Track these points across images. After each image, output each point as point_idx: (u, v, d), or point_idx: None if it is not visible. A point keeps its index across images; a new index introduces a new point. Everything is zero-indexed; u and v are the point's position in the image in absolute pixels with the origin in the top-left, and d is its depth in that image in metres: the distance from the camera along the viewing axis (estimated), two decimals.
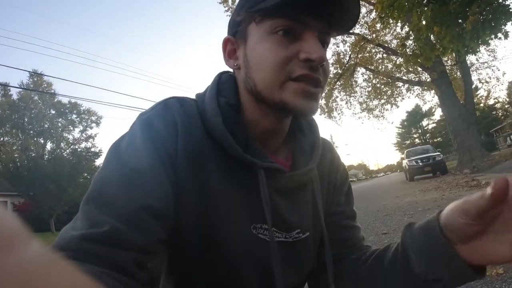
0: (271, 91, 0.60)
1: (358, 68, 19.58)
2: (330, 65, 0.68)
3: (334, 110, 20.98)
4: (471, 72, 17.94)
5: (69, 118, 29.84)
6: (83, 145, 30.43)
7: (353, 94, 21.17)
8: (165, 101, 0.64)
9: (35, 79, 28.22)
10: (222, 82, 0.69)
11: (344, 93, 20.83)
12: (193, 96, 0.71)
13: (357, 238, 0.82)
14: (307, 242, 0.73)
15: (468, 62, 17.25)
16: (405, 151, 18.90)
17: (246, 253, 0.64)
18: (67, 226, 0.52)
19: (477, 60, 19.56)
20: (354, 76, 19.96)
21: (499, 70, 22.85)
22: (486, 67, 20.36)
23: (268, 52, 0.59)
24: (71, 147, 29.87)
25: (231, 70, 0.72)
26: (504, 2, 5.29)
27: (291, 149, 0.74)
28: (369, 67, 19.61)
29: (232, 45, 0.68)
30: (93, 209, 0.51)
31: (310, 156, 0.73)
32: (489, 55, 19.51)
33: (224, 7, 16.42)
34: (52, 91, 28.87)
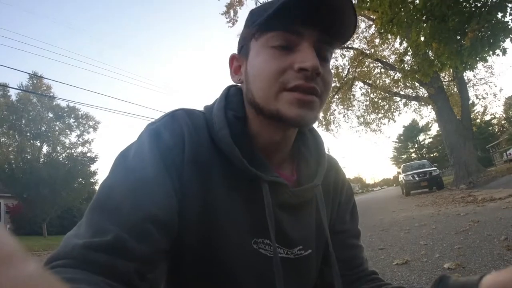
0: (267, 101, 0.61)
1: (356, 82, 19.64)
2: None
3: (332, 123, 21.02)
4: (468, 88, 18.06)
5: (66, 122, 29.64)
6: (79, 149, 30.19)
7: (350, 108, 21.26)
8: (173, 112, 0.65)
9: (35, 81, 28.10)
10: (231, 95, 0.70)
11: (342, 107, 20.88)
12: (201, 108, 0.72)
13: (362, 258, 0.81)
14: (309, 260, 0.72)
15: (465, 78, 17.38)
16: (402, 166, 18.95)
17: (246, 267, 0.64)
18: (70, 232, 0.52)
19: (474, 76, 19.72)
20: (352, 90, 20.03)
21: (496, 86, 23.06)
22: (483, 83, 20.52)
23: (263, 64, 0.61)
24: (67, 151, 29.65)
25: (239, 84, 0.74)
26: (503, 19, 5.34)
27: (296, 164, 0.74)
28: (367, 81, 19.69)
29: (238, 61, 0.70)
30: (98, 217, 0.51)
31: (315, 172, 0.73)
32: (486, 71, 19.66)
33: (226, 18, 16.53)
34: (51, 94, 28.74)
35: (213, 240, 0.61)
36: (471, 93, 19.90)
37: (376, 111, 21.02)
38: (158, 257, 0.54)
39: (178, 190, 0.58)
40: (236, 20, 16.59)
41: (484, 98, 20.89)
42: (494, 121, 47.35)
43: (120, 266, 0.47)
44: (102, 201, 0.53)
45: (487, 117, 44.52)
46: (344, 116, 21.72)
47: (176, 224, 0.57)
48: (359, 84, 20.06)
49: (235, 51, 0.72)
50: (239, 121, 0.65)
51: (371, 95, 20.52)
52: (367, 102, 21.03)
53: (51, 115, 28.93)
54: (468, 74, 18.06)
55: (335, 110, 20.92)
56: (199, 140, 0.62)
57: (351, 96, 20.41)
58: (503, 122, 46.89)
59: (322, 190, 0.74)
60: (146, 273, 0.51)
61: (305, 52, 0.58)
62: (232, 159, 0.62)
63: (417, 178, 15.61)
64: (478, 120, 40.58)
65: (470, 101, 19.37)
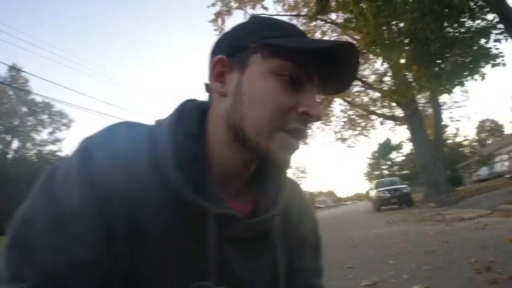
0: (259, 135, 0.55)
1: (335, 99, 19.99)
2: None
3: (309, 136, 21.30)
4: (443, 111, 18.67)
5: (39, 117, 28.69)
6: (49, 147, 29.23)
7: (328, 123, 21.62)
8: (113, 127, 0.57)
9: (13, 73, 27.08)
10: (185, 110, 0.61)
11: (320, 121, 21.18)
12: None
13: None
14: None
15: (440, 100, 17.96)
16: (375, 182, 19.34)
17: None
18: None
19: (449, 99, 20.37)
20: (331, 106, 20.35)
21: (470, 110, 23.77)
22: (457, 107, 21.23)
23: (270, 93, 0.55)
24: (37, 148, 28.63)
25: (197, 98, 0.66)
26: (485, 45, 5.50)
27: (254, 192, 0.65)
28: (346, 98, 20.06)
29: (223, 67, 0.59)
30: (15, 257, 0.46)
31: (274, 201, 0.64)
32: (462, 95, 20.38)
33: (214, 26, 16.53)
34: (28, 88, 27.70)
35: (144, 284, 0.53)
36: (446, 115, 20.62)
37: (353, 128, 21.44)
38: None
39: (108, 223, 0.50)
40: (223, 29, 16.61)
41: (458, 121, 21.67)
42: (466, 143, 49.04)
43: None
44: (21, 237, 0.48)
45: (459, 139, 46.13)
46: (322, 131, 22.06)
47: (105, 263, 0.50)
48: (338, 100, 20.41)
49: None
50: (189, 141, 0.56)
51: (349, 112, 20.93)
52: (345, 119, 21.44)
53: (25, 109, 27.92)
54: (443, 97, 18.66)
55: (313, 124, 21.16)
56: (138, 162, 0.53)
57: (329, 112, 20.73)
58: (474, 144, 48.59)
59: (282, 221, 0.67)
60: None
61: (311, 98, 0.56)
62: (173, 185, 0.53)
63: (388, 195, 16.00)
64: (449, 141, 41.92)
65: (443, 123, 20.02)
